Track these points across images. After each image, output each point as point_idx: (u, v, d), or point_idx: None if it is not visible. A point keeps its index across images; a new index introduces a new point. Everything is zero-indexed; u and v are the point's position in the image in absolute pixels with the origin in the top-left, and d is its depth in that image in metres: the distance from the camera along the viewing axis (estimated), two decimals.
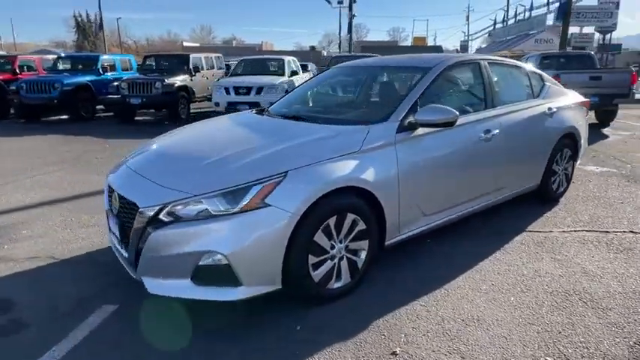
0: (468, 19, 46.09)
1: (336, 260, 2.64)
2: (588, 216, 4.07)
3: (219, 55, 14.46)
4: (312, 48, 51.14)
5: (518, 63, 4.14)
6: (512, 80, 3.95)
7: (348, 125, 2.92)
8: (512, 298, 2.72)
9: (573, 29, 21.39)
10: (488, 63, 3.73)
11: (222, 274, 2.31)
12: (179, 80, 11.36)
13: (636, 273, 3.01)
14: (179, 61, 12.43)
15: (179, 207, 2.33)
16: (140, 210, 2.39)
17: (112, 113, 12.64)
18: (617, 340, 2.31)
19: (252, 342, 2.34)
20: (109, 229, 2.90)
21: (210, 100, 13.35)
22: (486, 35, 39.87)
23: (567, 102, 4.37)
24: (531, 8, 28.61)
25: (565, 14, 14.62)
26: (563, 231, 3.73)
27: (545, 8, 26.44)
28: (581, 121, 4.50)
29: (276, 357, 2.22)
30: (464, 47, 43.93)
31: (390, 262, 3.15)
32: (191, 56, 12.40)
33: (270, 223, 2.32)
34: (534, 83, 4.17)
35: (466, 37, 45.46)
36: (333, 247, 2.59)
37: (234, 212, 2.29)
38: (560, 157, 4.29)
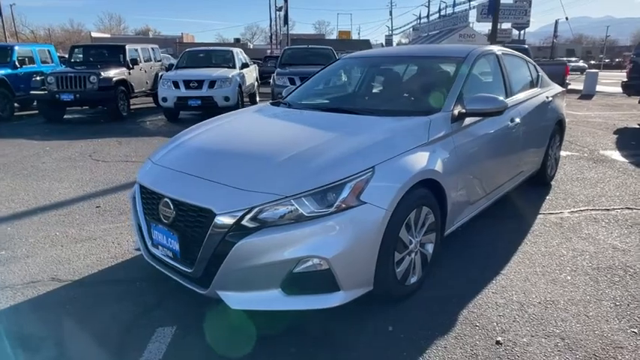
0: (391, 13, 47.79)
1: (412, 255, 2.57)
2: (583, 196, 4.42)
3: (155, 46, 13.51)
4: (237, 40, 49.91)
5: (520, 54, 4.34)
6: (519, 70, 4.13)
7: (407, 116, 2.85)
8: (569, 278, 2.85)
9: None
10: (503, 54, 3.86)
11: (321, 281, 2.14)
12: (116, 74, 10.43)
13: None
14: (113, 53, 11.38)
15: (266, 211, 2.11)
16: (218, 217, 2.12)
17: (35, 112, 11.27)
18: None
19: (352, 349, 2.20)
20: (150, 243, 2.55)
21: (149, 95, 12.50)
22: (410, 30, 41.67)
23: (556, 91, 4.69)
24: (454, 4, 30.42)
25: (494, 10, 15.73)
26: (572, 211, 4.01)
27: (467, 4, 28.29)
28: (564, 109, 4.86)
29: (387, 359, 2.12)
30: (389, 41, 45.51)
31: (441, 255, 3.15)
32: (127, 47, 11.43)
33: (367, 222, 2.19)
34: (534, 73, 4.40)
35: (390, 32, 47.21)
36: (411, 242, 2.53)
37: (331, 212, 2.12)
38: (553, 143, 4.59)
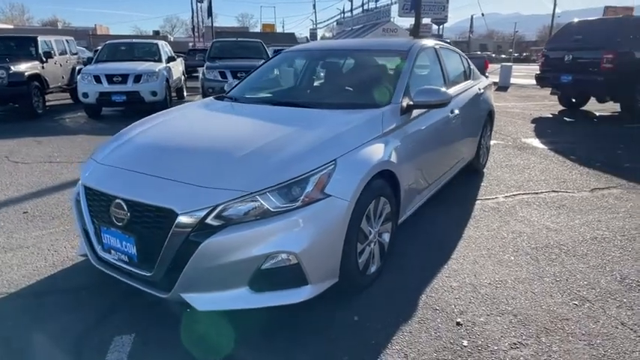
0: (314, 7, 47.99)
1: (372, 246, 2.61)
2: (514, 181, 4.76)
3: (70, 38, 12.43)
4: (157, 33, 47.46)
5: (454, 47, 4.55)
6: (455, 63, 4.33)
7: (359, 109, 2.86)
8: (512, 258, 3.05)
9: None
10: (440, 47, 4.02)
11: (289, 276, 2.10)
12: (28, 68, 9.46)
13: (581, 223, 3.65)
14: (23, 45, 10.27)
15: (230, 208, 2.02)
16: (180, 217, 2.00)
17: None
18: (608, 278, 2.80)
19: (321, 343, 2.18)
20: (99, 248, 2.37)
21: (66, 91, 11.53)
22: (334, 24, 42.19)
23: (486, 83, 4.99)
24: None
25: (417, 6, 16.40)
26: (506, 196, 4.30)
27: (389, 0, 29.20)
28: (493, 101, 5.18)
29: (357, 349, 2.12)
30: (313, 35, 45.77)
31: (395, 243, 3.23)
32: (39, 39, 10.41)
33: (332, 214, 2.18)
34: (466, 66, 4.64)
35: (315, 26, 47.48)
36: (370, 233, 2.56)
37: (297, 207, 2.09)
38: (485, 132, 4.89)
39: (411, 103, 3.01)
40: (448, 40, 16.69)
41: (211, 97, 3.72)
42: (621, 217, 3.78)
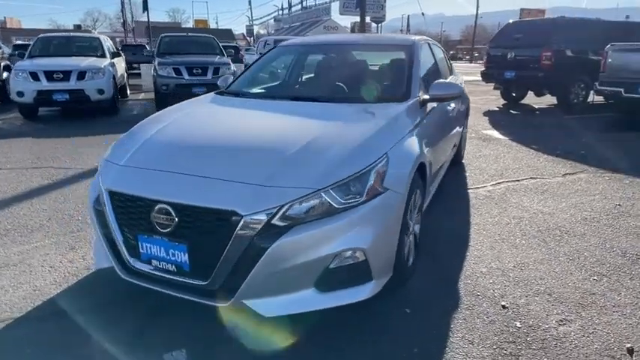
0: (250, 3, 47.20)
1: (410, 237, 2.64)
2: (493, 170, 5.03)
3: None
4: (78, 27, 44.13)
5: (438, 44, 4.71)
6: (442, 58, 4.48)
7: (383, 103, 2.87)
8: (524, 242, 3.24)
9: (355, 18, 24.70)
10: (431, 43, 4.14)
11: (356, 273, 2.06)
12: None
13: (567, 206, 3.95)
14: None
15: (295, 207, 1.94)
16: (245, 218, 1.88)
17: None
18: (611, 253, 3.06)
19: (382, 338, 2.17)
20: (131, 259, 2.15)
21: None
22: (272, 21, 41.79)
23: (462, 79, 5.22)
24: None
25: (362, 3, 16.73)
26: (493, 184, 4.54)
27: None
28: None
29: (421, 340, 2.14)
30: (249, 32, 45.00)
31: None
32: None
33: (391, 208, 2.18)
34: (448, 61, 4.82)
35: (251, 22, 46.65)
36: (410, 225, 2.58)
37: (361, 202, 2.05)
38: (464, 126, 5.12)
39: (427, 96, 3.07)
40: None
41: (212, 93, 3.53)
42: (598, 198, 4.15)
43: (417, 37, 3.83)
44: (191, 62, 9.79)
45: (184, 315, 2.30)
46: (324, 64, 3.72)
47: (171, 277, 2.08)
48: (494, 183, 4.59)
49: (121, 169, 2.27)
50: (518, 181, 4.67)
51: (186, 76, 9.60)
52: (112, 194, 2.19)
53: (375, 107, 2.80)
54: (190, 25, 57.92)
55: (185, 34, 12.32)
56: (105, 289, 2.56)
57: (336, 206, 2.00)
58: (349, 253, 2.01)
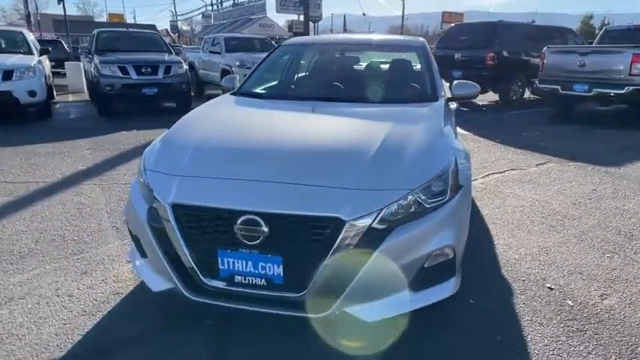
0: None
1: None
2: (476, 164, 5.35)
3: None
4: None
5: None
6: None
7: (422, 103, 2.98)
8: (536, 228, 3.53)
9: (292, 16, 24.70)
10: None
11: (444, 270, 2.12)
12: None
13: (554, 193, 4.36)
14: None
15: (391, 209, 1.97)
16: (347, 224, 1.85)
17: None
18: (610, 232, 3.45)
19: (464, 330, 2.28)
20: (205, 277, 2.01)
21: None
22: (199, 17, 40.28)
23: None
24: None
25: (305, 1, 16.78)
26: (483, 176, 4.87)
27: None
28: None
29: (498, 328, 2.28)
30: (174, 27, 43.03)
31: None
32: None
33: (465, 203, 2.29)
34: None
35: (175, 18, 44.56)
36: None
37: (447, 200, 2.13)
38: None
39: (450, 95, 3.24)
40: None
41: (228, 95, 3.39)
42: (575, 185, 4.62)
43: (421, 38, 3.99)
44: (139, 60, 9.18)
45: (262, 332, 2.23)
46: (344, 65, 3.74)
47: (259, 292, 1.98)
48: (483, 175, 4.91)
49: (186, 180, 2.11)
50: (502, 172, 5.05)
51: (134, 75, 8.96)
52: (179, 208, 2.00)
53: (416, 107, 2.90)
54: (103, 18, 53.86)
55: (125, 29, 11.52)
56: (156, 313, 2.40)
57: (426, 206, 2.05)
58: (441, 250, 2.07)
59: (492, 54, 9.73)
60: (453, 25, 11.51)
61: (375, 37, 4.39)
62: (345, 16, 41.67)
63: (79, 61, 13.42)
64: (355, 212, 1.88)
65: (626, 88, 7.38)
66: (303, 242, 1.90)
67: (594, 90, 7.76)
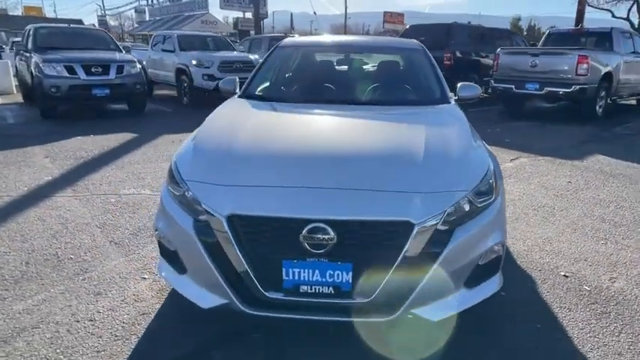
0: None
1: None
2: None
3: None
4: None
5: None
6: None
7: (436, 105, 3.06)
8: (532, 220, 3.75)
9: (238, 14, 24.08)
10: None
11: (493, 266, 2.19)
12: None
13: (536, 187, 4.65)
14: None
15: (452, 210, 2.02)
16: (417, 227, 1.87)
17: None
18: (595, 221, 3.74)
19: (505, 322, 2.38)
20: (269, 292, 1.93)
21: None
22: (131, 12, 38.09)
23: None
24: None
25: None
26: None
27: None
28: None
29: (535, 317, 2.41)
30: (102, 22, 40.39)
31: None
32: None
33: (504, 200, 2.37)
34: None
35: (103, 12, 41.82)
36: None
37: (493, 199, 2.20)
38: None
39: (456, 97, 3.35)
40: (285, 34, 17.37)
41: (238, 99, 3.26)
42: (552, 178, 4.96)
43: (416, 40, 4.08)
44: (88, 59, 8.55)
45: (312, 342, 2.19)
46: (352, 67, 3.73)
47: (326, 300, 1.94)
48: None
49: (242, 190, 2.02)
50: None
51: (82, 75, 8.32)
52: (236, 220, 1.91)
53: (436, 110, 2.98)
54: (19, 12, 49.38)
55: (67, 25, 10.67)
56: (197, 331, 2.29)
57: (478, 206, 2.11)
58: (494, 247, 2.14)
59: (449, 54, 10.15)
60: (408, 26, 11.85)
61: (376, 38, 4.43)
62: (292, 14, 41.43)
63: None
64: (423, 215, 1.90)
65: (573, 86, 8.04)
66: (372, 248, 1.90)
67: (545, 89, 8.37)
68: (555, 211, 3.95)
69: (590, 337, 2.25)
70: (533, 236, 3.42)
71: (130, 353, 2.10)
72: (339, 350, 2.12)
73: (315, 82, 3.44)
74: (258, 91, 3.39)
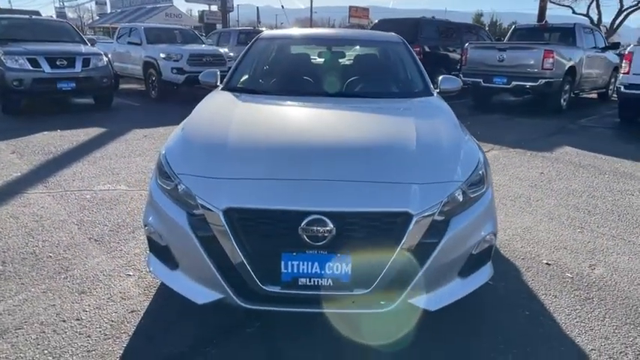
0: None
1: None
2: None
3: None
4: None
5: None
6: None
7: (420, 97, 3.10)
8: (511, 210, 3.86)
9: (202, 6, 23.47)
10: None
11: (485, 256, 2.24)
12: None
13: (511, 177, 4.79)
14: None
15: (449, 200, 2.04)
16: (415, 218, 1.88)
17: None
18: (570, 210, 3.89)
19: (496, 310, 2.45)
20: (266, 285, 1.90)
21: None
22: (91, 3, 36.51)
23: None
24: None
25: None
26: None
27: None
28: None
29: (519, 304, 2.48)
30: (61, 14, 38.58)
31: None
32: None
33: (492, 191, 2.42)
34: None
35: (62, 4, 39.95)
36: None
37: (485, 190, 2.25)
38: None
39: (438, 90, 3.39)
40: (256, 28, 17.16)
41: (221, 91, 3.18)
42: (525, 169, 5.12)
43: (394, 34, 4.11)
44: (53, 52, 8.17)
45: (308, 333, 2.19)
46: (333, 60, 3.71)
47: (325, 292, 1.93)
48: None
49: (239, 183, 1.98)
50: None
51: (47, 68, 7.95)
52: (233, 213, 1.87)
53: (421, 102, 3.01)
54: None
55: (29, 16, 10.14)
56: (190, 328, 2.24)
57: (471, 196, 2.15)
58: (487, 237, 2.18)
59: (418, 49, 10.28)
60: (377, 21, 11.92)
61: (356, 32, 4.43)
62: (258, 8, 40.81)
63: None
64: (422, 206, 1.91)
65: (539, 80, 8.32)
66: (371, 239, 1.90)
67: (513, 83, 8.63)
68: (531, 201, 4.08)
69: (577, 322, 2.34)
70: (512, 226, 3.53)
71: (122, 352, 2.03)
72: (334, 343, 2.11)
73: (299, 75, 3.41)
74: (241, 83, 3.34)
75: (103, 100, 9.01)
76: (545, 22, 12.68)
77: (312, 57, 3.77)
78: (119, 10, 33.40)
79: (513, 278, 2.76)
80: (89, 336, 2.13)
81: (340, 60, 3.77)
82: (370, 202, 1.91)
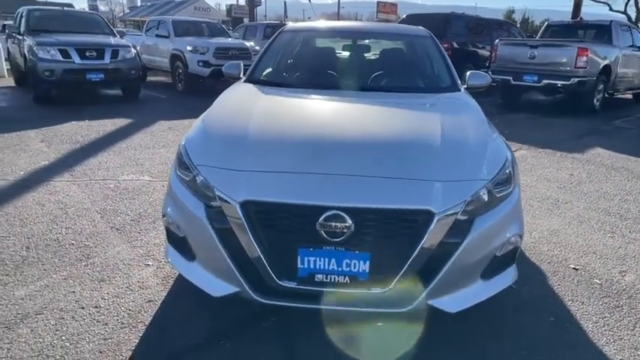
0: None
1: None
2: None
3: None
4: None
5: None
6: None
7: (448, 92, 3.01)
8: (537, 212, 3.73)
9: (231, 1, 23.74)
10: None
11: (509, 258, 2.15)
12: None
13: (539, 178, 4.63)
14: None
15: (473, 199, 1.96)
16: (437, 216, 1.82)
17: None
18: (601, 214, 3.73)
19: (522, 315, 2.36)
20: (282, 280, 1.87)
21: None
22: None
23: None
24: None
25: None
26: None
27: None
28: None
29: (545, 309, 2.39)
30: (93, 8, 39.53)
31: None
32: None
33: (519, 191, 2.33)
34: None
35: None
36: None
37: (511, 190, 2.16)
38: None
39: (465, 86, 3.29)
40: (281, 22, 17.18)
41: (244, 84, 3.17)
42: (554, 170, 4.95)
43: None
44: (83, 43, 8.35)
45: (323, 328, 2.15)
46: (359, 53, 3.65)
47: (341, 290, 1.89)
48: None
49: (258, 176, 1.95)
50: None
51: (77, 59, 8.13)
52: (251, 206, 1.85)
53: (448, 97, 2.93)
54: None
55: (60, 8, 10.39)
56: (206, 320, 2.24)
57: (497, 196, 2.07)
58: (512, 239, 2.09)
59: (446, 44, 10.07)
60: (405, 16, 11.74)
61: (382, 25, 4.36)
62: (285, 2, 40.70)
63: None
64: (445, 204, 1.85)
65: (572, 79, 8.02)
66: (390, 237, 1.85)
67: (544, 81, 8.35)
68: (560, 204, 3.94)
69: (605, 330, 2.24)
70: (539, 228, 3.40)
71: (137, 341, 2.05)
72: (350, 340, 2.07)
73: (322, 68, 3.36)
74: (264, 75, 3.32)
75: (131, 92, 9.15)
76: (580, 18, 12.23)
77: (336, 50, 3.72)
78: (149, 4, 34.02)
79: (538, 282, 2.66)
80: (106, 324, 2.15)
81: (365, 54, 3.70)
82: (390, 199, 1.86)
